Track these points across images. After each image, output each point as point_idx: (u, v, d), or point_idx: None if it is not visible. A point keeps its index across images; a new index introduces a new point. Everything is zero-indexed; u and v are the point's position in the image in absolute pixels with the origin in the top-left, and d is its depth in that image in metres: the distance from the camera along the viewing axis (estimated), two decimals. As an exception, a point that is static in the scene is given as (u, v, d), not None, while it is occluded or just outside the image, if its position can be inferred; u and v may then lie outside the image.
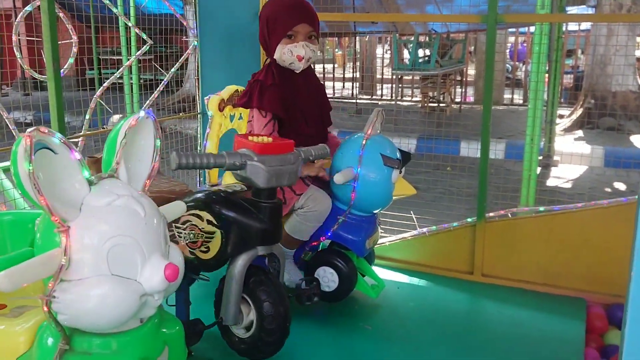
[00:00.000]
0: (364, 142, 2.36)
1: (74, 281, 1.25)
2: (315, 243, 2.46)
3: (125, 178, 1.38)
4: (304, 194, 2.35)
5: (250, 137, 1.96)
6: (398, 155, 2.42)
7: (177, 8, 10.57)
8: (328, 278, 2.45)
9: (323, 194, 2.39)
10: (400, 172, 2.42)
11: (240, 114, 2.75)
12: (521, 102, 12.03)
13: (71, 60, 2.62)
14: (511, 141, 8.26)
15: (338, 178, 2.30)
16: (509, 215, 2.92)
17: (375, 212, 2.50)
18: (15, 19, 2.67)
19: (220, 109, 2.65)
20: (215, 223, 1.97)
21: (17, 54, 2.54)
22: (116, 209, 1.29)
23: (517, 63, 14.09)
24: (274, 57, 2.37)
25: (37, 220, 1.39)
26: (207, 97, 2.65)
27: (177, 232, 2.03)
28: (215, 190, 2.09)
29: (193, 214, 2.00)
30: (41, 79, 2.24)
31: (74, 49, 2.70)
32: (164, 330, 1.50)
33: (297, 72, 2.40)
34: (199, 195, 2.06)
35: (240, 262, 1.95)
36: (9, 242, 1.88)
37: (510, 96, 12.65)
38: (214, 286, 2.10)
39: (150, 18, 5.27)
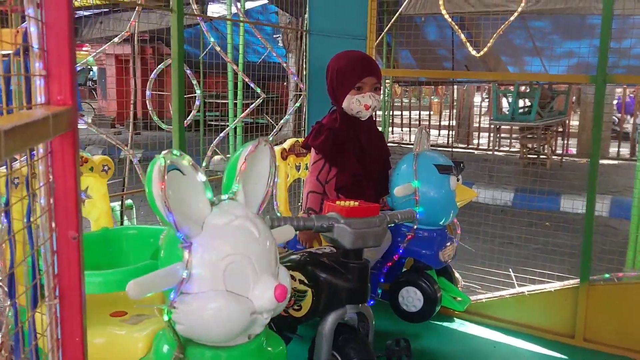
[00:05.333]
0: (415, 158, 2.50)
1: (192, 294, 1.36)
2: (390, 264, 2.54)
3: (243, 200, 1.49)
4: None
5: (337, 202, 2.08)
6: (451, 162, 2.51)
7: (281, 56, 11.05)
8: (412, 298, 2.51)
9: None
10: (457, 179, 2.52)
11: (306, 163, 2.90)
12: (628, 156, 11.47)
13: (194, 112, 2.85)
14: (617, 198, 7.87)
15: (397, 190, 2.43)
16: (615, 279, 2.81)
17: (442, 223, 2.56)
18: (133, 62, 2.94)
19: (283, 158, 2.87)
20: (307, 282, 2.08)
21: (149, 106, 2.80)
22: (234, 229, 1.40)
23: (624, 115, 13.49)
24: (342, 105, 2.55)
25: (162, 235, 1.52)
26: None
27: None
28: (307, 252, 2.22)
29: None
30: (167, 129, 2.45)
31: (197, 102, 2.93)
32: (269, 348, 1.57)
33: (363, 119, 2.58)
34: (293, 257, 2.20)
35: (330, 320, 2.03)
36: (132, 255, 2.06)
37: (616, 149, 12.10)
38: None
39: (253, 65, 5.56)
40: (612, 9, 2.60)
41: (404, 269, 2.69)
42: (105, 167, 2.19)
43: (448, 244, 2.59)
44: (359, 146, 2.57)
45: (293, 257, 2.19)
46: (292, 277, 2.09)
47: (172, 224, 1.32)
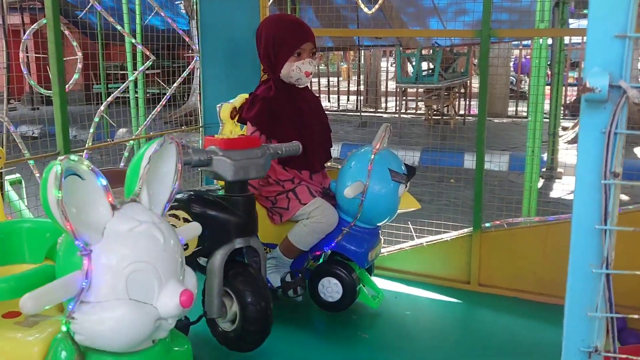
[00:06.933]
0: (372, 157, 2.41)
1: (92, 303, 1.29)
2: (318, 253, 2.50)
3: (147, 202, 1.42)
4: (311, 203, 2.41)
5: (216, 135, 2.05)
6: (404, 169, 2.48)
7: (184, 23, 10.74)
8: (332, 289, 2.49)
9: (330, 207, 2.45)
10: (405, 187, 2.49)
11: None
12: (526, 114, 12.06)
13: (76, 76, 2.69)
14: (515, 153, 8.28)
15: (348, 192, 2.35)
16: (505, 225, 2.95)
17: (379, 224, 2.54)
18: (24, 35, 2.76)
19: (232, 117, 2.74)
20: (191, 220, 2.04)
21: (24, 70, 2.62)
22: (137, 235, 1.33)
23: (521, 75, 14.14)
24: (281, 73, 2.47)
25: (59, 238, 1.43)
26: (219, 104, 2.73)
27: None
28: (191, 190, 2.19)
29: (170, 215, 2.10)
30: (47, 94, 2.31)
31: (79, 65, 2.78)
32: (175, 348, 1.54)
33: (300, 87, 2.52)
34: (177, 196, 2.14)
35: (219, 256, 2.02)
36: (27, 250, 1.91)
37: (514, 109, 12.69)
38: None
39: (156, 33, 5.36)
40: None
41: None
42: None
43: (377, 243, 2.58)
44: (298, 114, 2.50)
45: (177, 196, 2.11)
46: (176, 217, 2.06)
47: (69, 233, 1.25)
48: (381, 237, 2.64)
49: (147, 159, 1.40)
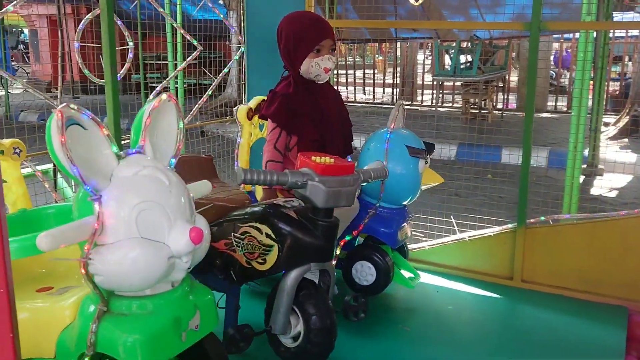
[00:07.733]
0: (388, 136, 2.46)
1: (107, 245, 1.38)
2: (348, 239, 2.51)
3: (151, 154, 1.50)
4: None
5: (313, 157, 2.00)
6: (422, 145, 2.49)
7: (222, 14, 10.84)
8: (366, 272, 2.53)
9: None
10: (426, 162, 2.51)
11: None
12: (565, 109, 11.83)
13: (127, 65, 2.75)
14: (554, 149, 8.14)
15: None
16: (550, 222, 2.91)
17: (405, 203, 2.57)
18: (64, 25, 2.82)
19: (249, 118, 2.81)
20: (274, 237, 2.02)
21: (79, 59, 2.68)
22: (142, 178, 1.42)
23: (561, 70, 13.86)
24: (300, 69, 2.47)
25: (73, 194, 1.52)
26: (235, 107, 2.80)
27: (236, 242, 2.11)
28: (275, 204, 2.14)
29: (252, 226, 2.08)
30: (99, 83, 2.37)
31: (130, 55, 2.83)
32: (191, 297, 1.59)
33: (320, 83, 2.52)
34: (259, 208, 2.13)
35: (293, 276, 2.00)
36: None
37: (553, 103, 12.45)
38: (264, 293, 2.17)
39: (195, 24, 5.41)
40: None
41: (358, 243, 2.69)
42: (17, 150, 2.11)
43: (406, 223, 2.59)
44: (318, 110, 2.50)
45: (259, 209, 2.12)
46: (259, 230, 2.05)
47: (77, 177, 1.33)
48: (410, 218, 2.65)
49: (147, 114, 1.48)
